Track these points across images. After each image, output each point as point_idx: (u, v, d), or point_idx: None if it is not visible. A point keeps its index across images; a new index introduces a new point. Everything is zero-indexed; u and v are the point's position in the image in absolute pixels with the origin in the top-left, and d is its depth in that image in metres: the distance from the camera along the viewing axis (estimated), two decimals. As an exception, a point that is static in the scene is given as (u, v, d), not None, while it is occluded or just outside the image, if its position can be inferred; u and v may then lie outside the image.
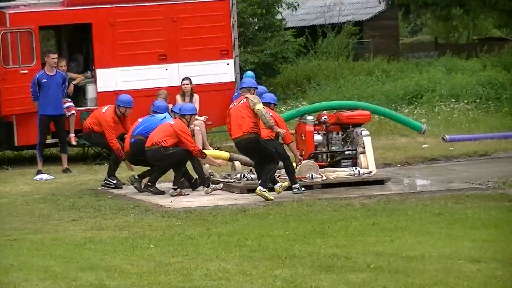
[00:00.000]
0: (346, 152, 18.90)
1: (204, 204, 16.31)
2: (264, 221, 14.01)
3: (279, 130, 16.62)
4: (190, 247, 11.80)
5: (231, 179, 18.05)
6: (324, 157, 18.85)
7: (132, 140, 17.81)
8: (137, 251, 11.55)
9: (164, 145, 16.30)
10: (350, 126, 19.27)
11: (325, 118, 18.99)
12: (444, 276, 8.75)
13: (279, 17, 39.15)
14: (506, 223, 12.59)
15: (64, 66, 21.26)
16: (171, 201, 16.56)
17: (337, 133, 19.31)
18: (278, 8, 36.78)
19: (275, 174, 16.84)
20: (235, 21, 23.82)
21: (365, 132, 18.73)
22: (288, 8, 39.02)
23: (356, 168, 17.64)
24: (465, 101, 28.59)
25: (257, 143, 15.62)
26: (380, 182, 16.97)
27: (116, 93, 21.26)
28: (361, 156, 18.43)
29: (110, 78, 22.52)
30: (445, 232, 11.99)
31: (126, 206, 16.36)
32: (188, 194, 16.24)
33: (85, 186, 18.91)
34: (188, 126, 17.02)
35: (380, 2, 43.27)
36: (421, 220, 13.18)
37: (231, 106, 16.32)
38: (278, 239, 11.77)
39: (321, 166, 18.21)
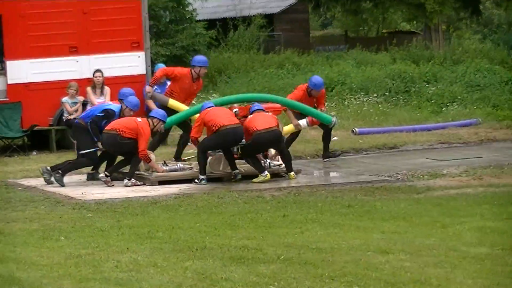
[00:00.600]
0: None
1: (115, 196, 16.25)
2: (175, 213, 14.06)
3: None
4: (101, 239, 11.81)
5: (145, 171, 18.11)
6: (235, 149, 18.54)
7: (76, 121, 18.47)
8: (47, 243, 11.41)
9: (121, 134, 16.58)
10: (261, 119, 20.32)
11: (236, 111, 18.86)
12: (353, 267, 8.90)
13: (190, 8, 38.45)
14: (415, 215, 12.93)
15: None
16: (82, 193, 16.40)
17: (249, 126, 20.30)
18: (189, -1, 37.45)
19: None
20: (146, 14, 23.99)
21: (275, 125, 19.68)
22: (198, -1, 39.37)
23: (266, 161, 17.73)
24: (375, 95, 29.13)
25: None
26: (290, 174, 17.61)
27: (27, 85, 21.71)
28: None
29: (20, 70, 22.28)
30: (355, 224, 12.21)
31: (37, 198, 16.25)
32: (113, 185, 16.35)
33: None
34: (153, 130, 17.25)
35: (291, -5, 43.86)
36: (331, 212, 13.35)
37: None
38: (189, 231, 11.82)
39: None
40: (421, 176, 17.95)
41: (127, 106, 16.81)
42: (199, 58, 21.01)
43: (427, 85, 31.66)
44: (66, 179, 17.60)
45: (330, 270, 8.69)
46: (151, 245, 10.68)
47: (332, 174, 19.43)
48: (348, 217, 12.82)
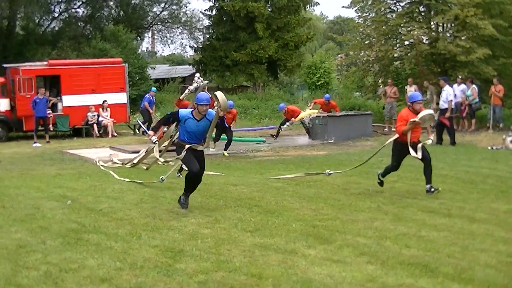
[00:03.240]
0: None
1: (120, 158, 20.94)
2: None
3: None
4: (105, 178, 16.55)
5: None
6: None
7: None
8: (80, 179, 16.41)
9: None
10: None
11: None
12: (222, 191, 14.01)
13: (147, 73, 45.95)
14: (248, 168, 17.87)
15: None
16: (97, 158, 20.57)
17: None
18: None
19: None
20: (127, 74, 33.42)
21: None
22: None
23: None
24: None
25: None
26: None
27: (71, 107, 31.28)
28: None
29: (68, 100, 31.38)
30: (231, 173, 17.04)
31: (75, 159, 21.95)
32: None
33: (54, 151, 25.05)
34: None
35: None
36: (231, 166, 18.18)
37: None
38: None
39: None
40: (252, 151, 23.70)
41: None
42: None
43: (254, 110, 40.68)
44: (91, 150, 23.65)
45: (211, 193, 13.62)
46: (130, 183, 15.38)
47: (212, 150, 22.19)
48: (220, 168, 17.67)
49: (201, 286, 7.28)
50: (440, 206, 12.16)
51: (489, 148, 22.25)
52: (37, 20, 48.39)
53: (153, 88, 34.45)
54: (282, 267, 7.96)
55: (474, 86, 30.22)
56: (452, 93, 25.50)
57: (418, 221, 10.74)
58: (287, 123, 28.33)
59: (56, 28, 49.21)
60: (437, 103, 26.83)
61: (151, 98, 31.89)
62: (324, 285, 7.24)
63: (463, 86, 30.09)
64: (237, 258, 8.39)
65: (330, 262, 8.18)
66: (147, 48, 63.54)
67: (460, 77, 31.22)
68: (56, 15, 49.50)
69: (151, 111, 31.18)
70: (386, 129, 31.43)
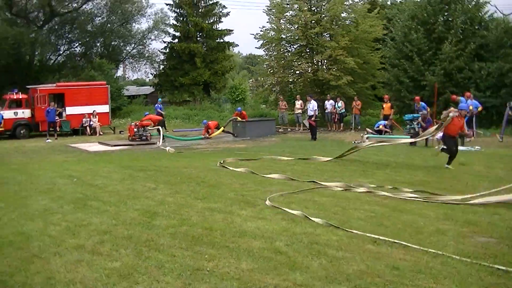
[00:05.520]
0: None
1: (114, 149, 21.58)
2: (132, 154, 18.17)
3: None
4: (100, 163, 16.24)
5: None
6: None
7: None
8: (81, 164, 16.23)
9: None
10: None
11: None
12: (169, 169, 13.97)
13: (123, 92, 45.22)
14: (197, 158, 16.48)
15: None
16: (91, 147, 21.95)
17: None
18: None
19: None
20: (109, 91, 33.34)
21: None
22: None
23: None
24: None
25: None
26: None
27: (72, 115, 31.50)
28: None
29: (70, 110, 31.48)
30: (180, 159, 16.25)
31: (76, 151, 21.11)
32: None
33: (60, 145, 24.97)
34: None
35: None
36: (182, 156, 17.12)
37: None
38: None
39: None
40: (194, 146, 21.69)
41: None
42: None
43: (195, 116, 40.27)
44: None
45: (171, 173, 13.61)
46: (114, 165, 15.50)
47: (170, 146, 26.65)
48: (175, 157, 16.88)
49: (172, 236, 7.28)
50: (325, 180, 12.14)
51: (353, 142, 22.65)
52: (48, 56, 48.94)
53: (160, 99, 36.16)
54: (225, 222, 8.01)
55: (341, 101, 31.29)
56: (316, 106, 26.84)
57: (314, 192, 10.80)
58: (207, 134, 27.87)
59: (61, 61, 49.54)
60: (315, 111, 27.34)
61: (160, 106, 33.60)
62: (255, 234, 7.31)
63: (331, 101, 31.54)
64: (194, 217, 8.41)
65: (257, 219, 8.24)
66: (121, 74, 63.35)
67: (328, 95, 32.55)
68: (61, 52, 50.06)
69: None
70: (281, 130, 31.89)
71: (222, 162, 15.21)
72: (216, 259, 6.20)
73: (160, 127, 26.03)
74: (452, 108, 15.12)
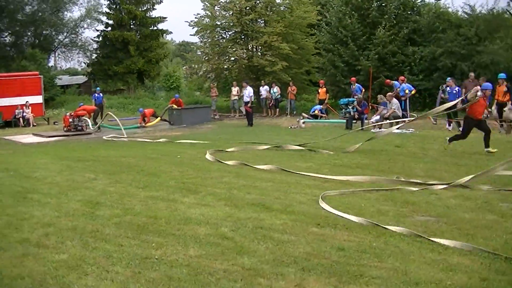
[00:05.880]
0: None
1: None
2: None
3: None
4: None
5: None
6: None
7: None
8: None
9: None
10: None
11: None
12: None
13: (56, 81, 44.06)
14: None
15: None
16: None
17: None
18: None
19: None
20: (42, 82, 32.76)
21: None
22: None
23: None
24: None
25: None
26: None
27: (5, 106, 30.36)
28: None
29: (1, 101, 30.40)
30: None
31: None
32: None
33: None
34: None
35: None
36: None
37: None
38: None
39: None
40: (132, 135, 21.14)
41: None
42: None
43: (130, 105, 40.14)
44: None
45: (109, 162, 13.68)
46: (50, 156, 15.25)
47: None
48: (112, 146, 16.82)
49: (117, 226, 7.23)
50: (262, 163, 12.34)
51: (289, 127, 22.93)
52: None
53: (98, 88, 34.24)
54: (169, 210, 8.00)
55: (277, 86, 31.43)
56: (252, 92, 27.73)
57: (252, 176, 10.94)
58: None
59: (-10, 51, 47.64)
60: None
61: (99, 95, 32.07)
62: (199, 220, 7.33)
63: (266, 87, 31.62)
64: (137, 206, 8.35)
65: (200, 205, 8.25)
66: (53, 64, 61.83)
67: (263, 81, 32.68)
68: (-11, 42, 48.08)
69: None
70: (217, 116, 32.24)
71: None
72: (163, 247, 6.21)
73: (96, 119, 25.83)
74: (478, 87, 13.92)
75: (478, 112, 13.54)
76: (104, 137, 21.17)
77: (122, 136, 21.02)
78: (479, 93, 13.48)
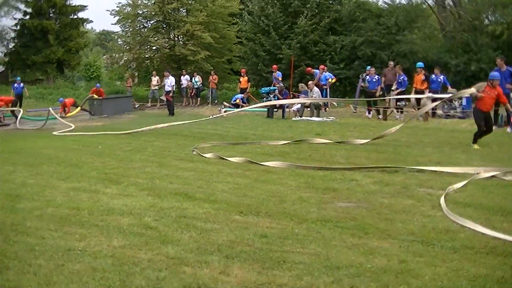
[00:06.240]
0: None
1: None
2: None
3: None
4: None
5: None
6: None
7: None
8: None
9: None
10: None
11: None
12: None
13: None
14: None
15: None
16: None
17: None
18: None
19: None
20: None
21: None
22: None
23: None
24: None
25: None
26: None
27: None
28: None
29: None
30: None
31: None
32: None
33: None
34: None
35: None
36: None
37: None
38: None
39: None
40: (50, 126, 20.76)
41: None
42: None
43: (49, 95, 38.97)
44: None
45: (28, 154, 13.33)
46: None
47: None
48: (31, 138, 16.50)
49: (39, 218, 7.06)
50: (186, 155, 12.38)
51: (211, 116, 22.95)
52: None
53: (18, 78, 32.91)
54: (91, 201, 7.89)
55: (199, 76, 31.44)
56: (174, 81, 27.22)
57: (174, 166, 10.91)
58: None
59: None
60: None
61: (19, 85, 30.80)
62: (122, 211, 7.28)
63: (187, 76, 31.83)
64: (59, 197, 8.19)
65: (123, 196, 8.18)
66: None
67: (184, 70, 32.68)
68: None
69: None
70: (137, 106, 32.06)
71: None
72: (87, 238, 6.14)
73: (16, 109, 24.94)
74: (484, 83, 13.25)
75: (486, 104, 13.06)
76: (54, 133, 19.67)
77: (70, 128, 20.19)
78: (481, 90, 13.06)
